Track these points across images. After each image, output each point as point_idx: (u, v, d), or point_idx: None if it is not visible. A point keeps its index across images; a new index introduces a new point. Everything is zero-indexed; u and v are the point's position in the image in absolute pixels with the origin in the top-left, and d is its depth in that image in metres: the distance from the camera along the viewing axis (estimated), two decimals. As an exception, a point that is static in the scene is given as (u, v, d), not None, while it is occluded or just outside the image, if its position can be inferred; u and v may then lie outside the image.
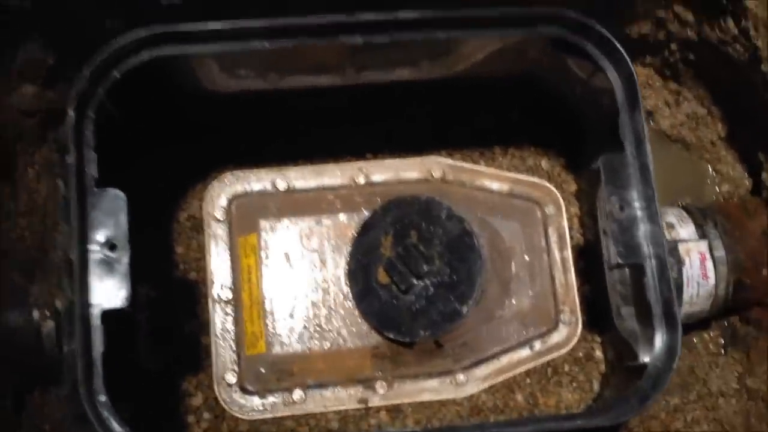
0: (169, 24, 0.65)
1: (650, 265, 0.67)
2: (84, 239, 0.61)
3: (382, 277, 0.82)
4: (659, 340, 0.67)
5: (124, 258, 0.62)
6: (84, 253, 0.61)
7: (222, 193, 0.88)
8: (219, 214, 0.88)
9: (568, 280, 0.90)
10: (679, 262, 0.98)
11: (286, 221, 0.87)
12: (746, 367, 1.05)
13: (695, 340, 1.09)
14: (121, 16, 0.87)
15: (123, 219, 0.63)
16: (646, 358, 0.69)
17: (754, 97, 0.98)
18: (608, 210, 0.68)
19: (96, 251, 0.63)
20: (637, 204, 0.68)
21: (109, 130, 0.66)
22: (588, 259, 0.92)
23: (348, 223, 0.88)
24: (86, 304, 0.60)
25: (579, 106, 0.83)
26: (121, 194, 0.64)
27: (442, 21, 0.67)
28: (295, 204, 0.89)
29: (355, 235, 0.84)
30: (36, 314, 0.87)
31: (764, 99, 0.96)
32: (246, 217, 0.88)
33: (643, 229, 0.68)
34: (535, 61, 0.83)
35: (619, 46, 0.68)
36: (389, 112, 0.92)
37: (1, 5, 0.82)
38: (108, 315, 0.61)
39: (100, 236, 0.64)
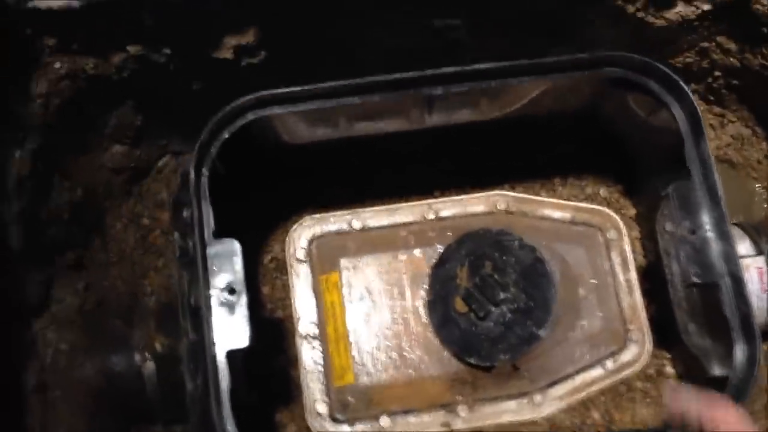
0: (271, 90, 0.72)
1: (725, 283, 0.71)
2: (207, 285, 0.68)
3: (460, 306, 0.88)
4: (739, 352, 0.71)
5: (243, 300, 0.69)
6: (208, 299, 0.67)
7: (302, 235, 0.94)
8: (301, 255, 0.94)
9: (634, 300, 0.94)
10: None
11: (364, 258, 0.93)
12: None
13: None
14: (203, 78, 0.95)
15: (239, 265, 0.69)
16: (720, 371, 0.73)
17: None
18: (680, 235, 0.72)
19: (217, 296, 0.69)
20: (708, 226, 0.73)
21: (215, 185, 0.72)
22: (652, 279, 0.97)
23: (422, 257, 0.93)
24: (212, 344, 0.66)
25: (638, 138, 0.88)
26: (236, 243, 0.71)
27: (514, 69, 0.73)
28: (371, 242, 0.94)
29: (432, 267, 0.90)
30: (137, 358, 0.93)
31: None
32: (326, 256, 0.94)
33: (716, 249, 0.72)
34: (593, 98, 0.89)
35: (681, 82, 0.73)
36: (453, 151, 0.98)
37: (100, 78, 0.89)
38: (232, 354, 0.67)
39: (221, 282, 0.70)
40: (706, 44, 1.04)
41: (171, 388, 0.92)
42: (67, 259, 0.98)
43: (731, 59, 1.05)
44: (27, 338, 0.91)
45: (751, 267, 1.02)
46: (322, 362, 0.90)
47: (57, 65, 0.85)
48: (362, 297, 0.92)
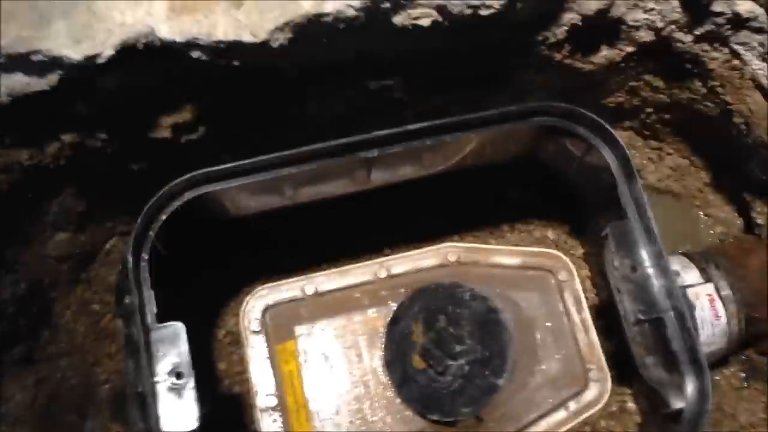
0: (207, 168, 0.72)
1: (670, 317, 0.72)
2: (152, 372, 0.66)
3: (418, 363, 0.87)
4: (690, 385, 0.71)
5: (189, 383, 0.67)
6: (153, 385, 0.66)
7: (256, 306, 0.94)
8: (255, 326, 0.93)
9: (590, 339, 0.95)
10: (690, 307, 1.04)
11: (319, 323, 0.93)
12: (770, 395, 1.08)
13: (717, 378, 1.14)
14: (143, 158, 0.95)
15: (184, 348, 0.68)
16: (679, 404, 0.73)
17: (731, 145, 1.06)
18: (622, 273, 0.73)
19: (164, 381, 0.68)
20: (647, 263, 0.74)
21: (156, 268, 0.72)
22: (606, 316, 0.98)
23: (378, 316, 0.93)
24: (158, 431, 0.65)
25: (576, 180, 0.90)
26: (180, 325, 0.70)
27: (446, 127, 0.74)
28: (325, 306, 0.94)
29: (386, 326, 0.90)
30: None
31: (740, 145, 1.03)
32: (281, 325, 0.93)
33: (657, 285, 0.74)
34: (531, 145, 0.91)
35: (606, 126, 0.75)
36: (400, 208, 0.99)
37: (37, 167, 0.88)
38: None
39: (166, 367, 0.69)
40: (634, 83, 1.07)
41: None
42: (15, 354, 0.96)
43: (660, 95, 1.08)
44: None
45: (701, 295, 1.04)
46: (283, 434, 0.89)
47: (-10, 159, 0.84)
48: (320, 363, 0.91)
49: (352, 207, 0.97)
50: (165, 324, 0.69)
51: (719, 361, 1.09)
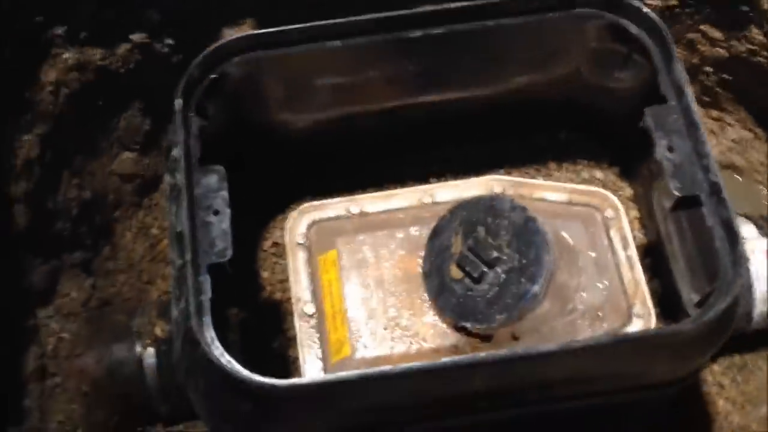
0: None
1: (706, 193, 0.71)
2: (192, 209, 0.69)
3: (455, 273, 0.87)
4: (725, 257, 0.69)
5: (225, 218, 0.70)
6: (193, 220, 0.69)
7: (302, 220, 0.96)
8: (300, 239, 0.95)
9: (636, 276, 0.93)
10: (746, 260, 1.01)
11: (361, 236, 0.94)
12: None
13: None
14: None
15: (224, 190, 0.71)
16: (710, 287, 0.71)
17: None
18: (659, 154, 0.73)
19: (201, 217, 0.71)
20: (684, 146, 0.73)
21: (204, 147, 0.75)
22: (653, 256, 0.96)
23: (419, 234, 0.94)
24: (196, 264, 0.67)
25: (622, 106, 0.90)
26: (221, 169, 0.73)
27: (489, 8, 0.77)
28: (369, 224, 0.96)
29: (427, 240, 0.90)
30: (138, 347, 0.93)
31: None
32: (325, 239, 0.95)
33: (695, 163, 0.72)
34: (575, 75, 0.92)
35: (643, 8, 0.76)
36: (448, 137, 1.01)
37: (108, 70, 0.95)
38: (214, 268, 0.68)
39: (205, 204, 0.72)
40: (692, 35, 1.08)
41: (170, 375, 0.91)
42: (75, 257, 1.00)
43: (718, 49, 1.08)
44: (29, 325, 0.92)
45: (757, 249, 1.01)
46: (318, 339, 0.89)
47: (66, 55, 0.91)
48: (359, 272, 0.92)
49: (401, 132, 0.99)
50: (206, 167, 0.72)
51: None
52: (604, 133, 0.99)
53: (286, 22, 0.94)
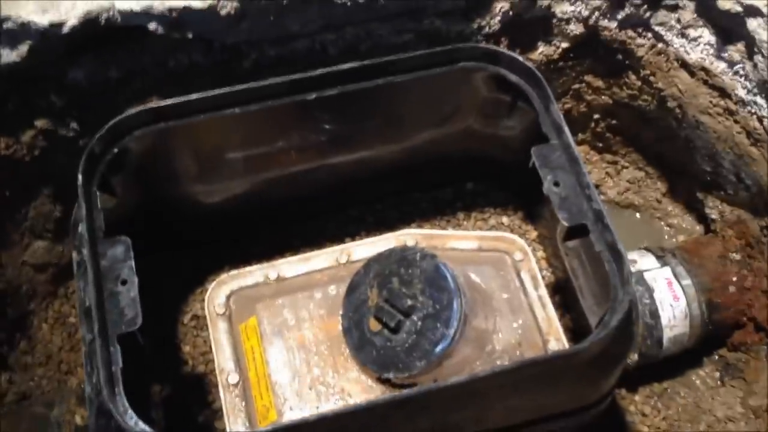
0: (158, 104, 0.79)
1: (591, 221, 0.75)
2: (98, 282, 0.70)
3: (374, 325, 0.89)
4: (614, 277, 0.73)
5: (133, 286, 0.71)
6: (100, 293, 0.69)
7: (221, 291, 0.97)
8: (220, 309, 0.96)
9: (548, 313, 0.97)
10: (649, 289, 1.07)
11: (280, 300, 0.96)
12: (745, 389, 1.09)
13: (693, 378, 1.14)
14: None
15: (129, 259, 0.72)
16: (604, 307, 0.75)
17: (676, 143, 1.11)
18: (546, 189, 0.77)
19: (110, 289, 0.71)
20: (568, 179, 0.78)
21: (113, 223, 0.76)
22: (562, 293, 1.00)
23: (337, 292, 0.96)
24: (104, 333, 0.67)
25: (516, 154, 0.95)
26: (126, 239, 0.74)
27: (379, 67, 0.81)
28: (287, 288, 0.97)
29: (344, 296, 0.92)
30: (57, 435, 0.92)
31: (681, 137, 1.09)
32: (244, 307, 0.96)
33: (579, 195, 0.77)
34: (469, 128, 0.97)
35: (520, 59, 0.82)
36: (360, 196, 1.05)
37: (9, 160, 0.95)
38: (124, 337, 0.68)
39: (111, 275, 0.72)
40: (577, 86, 1.15)
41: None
42: (-11, 353, 0.98)
43: (603, 96, 1.16)
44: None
45: (659, 278, 1.07)
46: (245, 408, 0.90)
47: (-30, 147, 0.91)
48: (281, 336, 0.93)
49: (314, 195, 1.02)
50: (112, 238, 0.73)
51: (688, 350, 1.10)
52: (505, 180, 1.04)
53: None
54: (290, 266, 1.00)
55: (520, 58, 0.80)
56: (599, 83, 1.14)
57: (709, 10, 0.94)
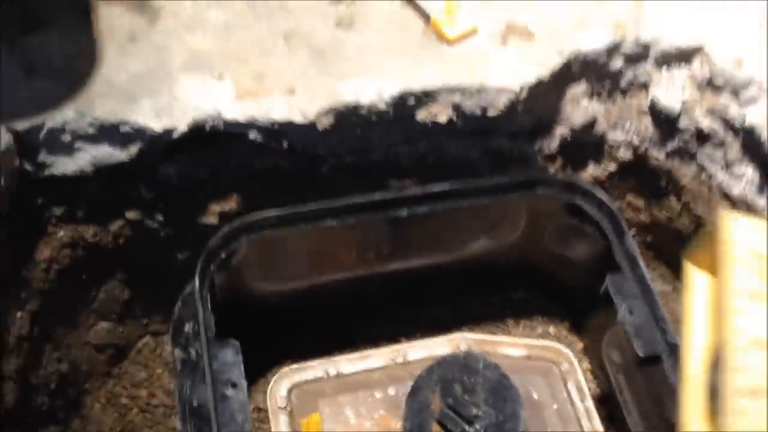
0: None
1: (666, 353, 0.80)
2: (215, 382, 0.74)
3: (436, 430, 0.93)
4: None
5: (243, 391, 0.74)
6: (216, 392, 0.73)
7: (282, 384, 1.01)
8: (282, 403, 0.99)
9: (594, 426, 1.02)
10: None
11: (342, 398, 0.99)
12: None
13: None
14: (189, 246, 1.06)
15: (239, 363, 0.76)
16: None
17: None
18: (621, 317, 0.83)
19: (220, 390, 0.75)
20: (642, 309, 0.84)
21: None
22: (607, 406, 1.05)
23: (396, 393, 1.00)
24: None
25: (577, 273, 1.02)
26: (236, 342, 0.78)
27: (467, 189, 0.88)
28: (347, 384, 1.01)
29: (406, 398, 0.96)
30: None
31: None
32: (306, 402, 1.00)
33: (652, 327, 0.82)
34: (536, 245, 1.04)
35: (596, 191, 0.88)
36: (414, 298, 1.10)
37: (98, 245, 0.99)
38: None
39: (222, 377, 0.76)
40: (618, 204, 1.22)
41: None
42: (49, 432, 1.00)
43: (641, 216, 1.23)
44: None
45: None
46: (307, 503, 0.92)
47: (61, 233, 0.96)
48: (343, 434, 0.96)
49: (373, 297, 1.07)
50: (221, 341, 0.77)
51: None
52: (557, 292, 1.10)
53: (267, 198, 1.03)
54: (349, 363, 1.04)
55: (599, 192, 0.86)
56: (640, 203, 1.21)
57: (754, 151, 1.02)
